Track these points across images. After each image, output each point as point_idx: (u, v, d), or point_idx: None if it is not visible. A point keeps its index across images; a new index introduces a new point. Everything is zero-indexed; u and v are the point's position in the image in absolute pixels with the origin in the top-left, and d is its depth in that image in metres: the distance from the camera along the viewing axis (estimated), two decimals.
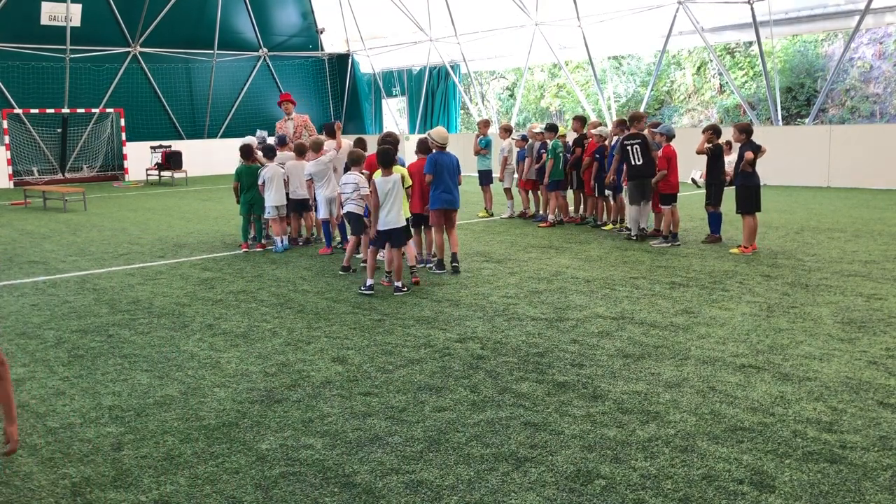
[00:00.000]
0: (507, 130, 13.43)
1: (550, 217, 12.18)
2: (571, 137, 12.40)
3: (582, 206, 12.46)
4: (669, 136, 10.13)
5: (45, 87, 24.17)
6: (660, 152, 10.09)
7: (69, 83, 24.41)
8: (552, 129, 12.12)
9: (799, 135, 18.43)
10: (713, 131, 9.92)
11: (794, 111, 26.48)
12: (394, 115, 30.21)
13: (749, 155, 9.13)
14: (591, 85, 27.24)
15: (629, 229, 10.63)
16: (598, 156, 11.47)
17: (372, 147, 9.06)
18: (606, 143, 11.51)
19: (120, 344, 6.18)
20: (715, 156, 9.94)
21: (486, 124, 13.58)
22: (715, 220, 10.18)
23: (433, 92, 28.13)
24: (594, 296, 7.39)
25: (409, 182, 7.98)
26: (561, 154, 11.88)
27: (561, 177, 11.92)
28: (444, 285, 8.03)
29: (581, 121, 12.37)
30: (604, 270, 8.56)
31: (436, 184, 8.53)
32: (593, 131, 11.73)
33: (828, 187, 16.93)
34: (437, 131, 8.85)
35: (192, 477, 3.81)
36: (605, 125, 13.99)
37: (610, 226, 11.59)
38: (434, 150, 8.73)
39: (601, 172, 11.48)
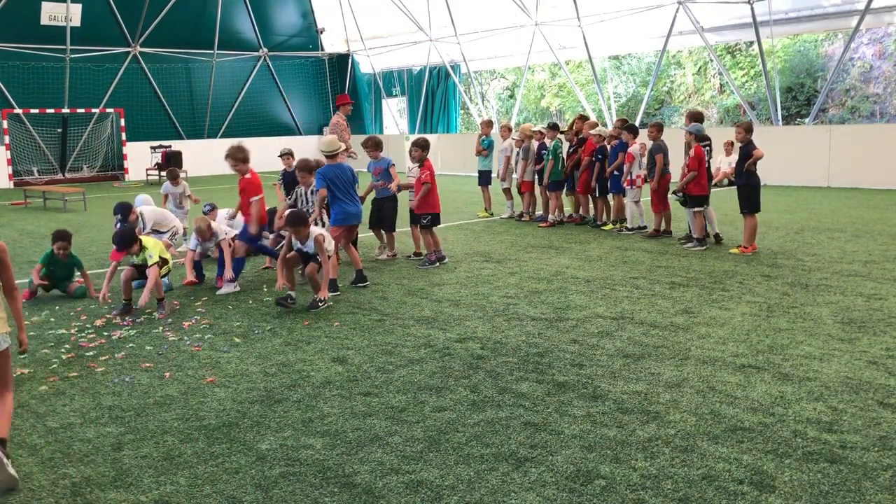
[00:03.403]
0: (508, 129, 13.46)
1: (550, 217, 12.17)
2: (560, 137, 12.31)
3: (581, 207, 12.44)
4: (700, 137, 9.80)
5: (45, 87, 24.18)
6: (692, 152, 9.78)
7: (69, 83, 24.41)
8: (554, 127, 12.10)
9: (799, 135, 18.42)
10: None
11: (794, 111, 26.49)
12: (394, 115, 30.21)
13: (759, 152, 9.08)
14: (591, 84, 27.25)
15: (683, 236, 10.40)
16: (599, 156, 11.46)
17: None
18: (606, 143, 11.51)
19: (120, 343, 6.18)
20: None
21: (488, 124, 13.57)
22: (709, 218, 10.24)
23: (433, 92, 28.13)
24: (594, 296, 7.39)
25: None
26: (561, 154, 11.87)
27: (560, 177, 11.91)
28: (444, 285, 8.03)
29: (584, 120, 12.36)
30: (604, 270, 8.56)
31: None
32: (591, 131, 11.72)
33: (828, 187, 16.93)
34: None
35: (192, 477, 3.81)
36: (603, 125, 13.97)
37: (610, 226, 11.59)
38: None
39: (602, 173, 11.48)
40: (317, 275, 7.10)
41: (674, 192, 10.29)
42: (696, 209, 9.84)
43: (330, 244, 7.41)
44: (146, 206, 9.06)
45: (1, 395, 3.92)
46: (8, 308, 4.00)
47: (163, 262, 7.25)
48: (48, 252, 7.86)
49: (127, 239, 7.06)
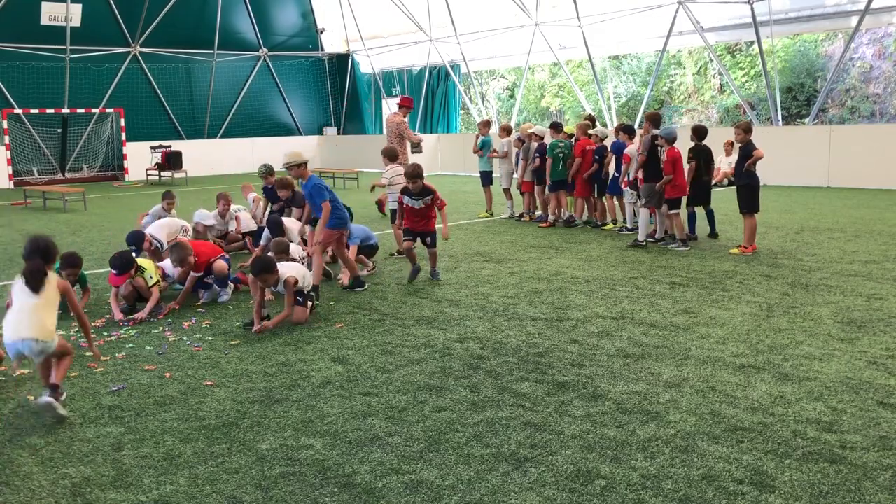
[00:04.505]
0: (506, 130, 13.43)
1: (551, 217, 12.17)
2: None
3: (576, 209, 12.39)
4: (670, 139, 9.75)
5: (45, 87, 24.18)
6: (664, 155, 9.74)
7: (69, 83, 24.41)
8: (553, 126, 12.08)
9: (799, 135, 18.42)
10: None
11: (794, 111, 26.49)
12: None
13: (759, 153, 9.09)
14: (591, 84, 27.24)
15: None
16: (597, 157, 11.46)
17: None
18: (606, 143, 11.51)
19: (120, 344, 6.18)
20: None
21: (486, 125, 13.56)
22: (692, 220, 10.33)
23: (433, 92, 28.12)
24: (594, 296, 7.39)
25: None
26: (560, 154, 11.84)
27: (561, 177, 11.88)
28: (444, 285, 8.03)
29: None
30: (604, 270, 8.56)
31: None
32: (590, 131, 11.71)
33: (828, 187, 16.92)
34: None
35: (192, 477, 3.81)
36: (602, 125, 13.95)
37: (610, 226, 11.59)
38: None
39: (600, 173, 11.48)
40: (305, 316, 6.70)
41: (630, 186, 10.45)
42: (672, 211, 9.86)
43: (307, 282, 6.93)
44: (153, 226, 8.96)
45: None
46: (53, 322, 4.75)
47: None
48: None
49: (126, 263, 7.13)
